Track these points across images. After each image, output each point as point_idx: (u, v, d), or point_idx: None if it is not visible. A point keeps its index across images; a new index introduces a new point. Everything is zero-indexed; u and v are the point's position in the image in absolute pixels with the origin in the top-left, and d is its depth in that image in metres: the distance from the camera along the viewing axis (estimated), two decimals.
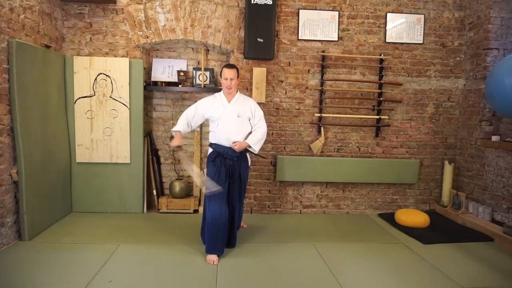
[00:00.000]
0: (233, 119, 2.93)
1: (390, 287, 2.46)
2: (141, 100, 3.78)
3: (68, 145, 3.71)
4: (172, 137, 3.18)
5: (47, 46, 3.43)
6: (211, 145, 3.00)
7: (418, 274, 2.65)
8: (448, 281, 2.56)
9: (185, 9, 3.82)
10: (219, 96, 3.02)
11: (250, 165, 4.05)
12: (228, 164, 2.89)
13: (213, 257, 2.75)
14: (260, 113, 3.05)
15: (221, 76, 2.96)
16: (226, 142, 2.90)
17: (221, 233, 2.78)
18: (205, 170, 3.03)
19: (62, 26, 3.79)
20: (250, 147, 2.93)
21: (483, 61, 3.83)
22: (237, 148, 2.85)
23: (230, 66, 2.96)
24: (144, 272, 2.55)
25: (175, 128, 2.95)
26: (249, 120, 3.00)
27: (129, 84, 3.73)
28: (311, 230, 3.55)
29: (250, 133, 3.00)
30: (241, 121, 2.96)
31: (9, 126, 2.91)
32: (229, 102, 2.97)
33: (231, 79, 2.90)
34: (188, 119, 2.99)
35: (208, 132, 3.11)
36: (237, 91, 3.04)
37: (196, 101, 3.10)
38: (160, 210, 3.95)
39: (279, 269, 2.66)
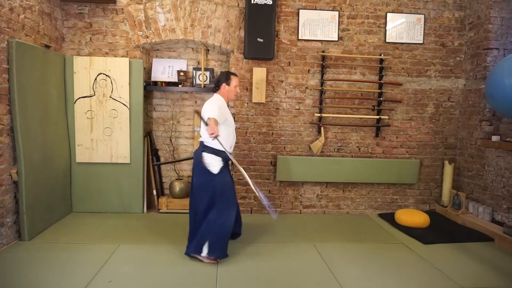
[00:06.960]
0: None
1: (390, 287, 2.46)
2: (141, 100, 3.78)
3: (68, 145, 3.71)
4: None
5: (47, 46, 3.43)
6: (219, 152, 2.71)
7: (418, 274, 2.65)
8: (448, 281, 2.56)
9: (185, 9, 3.82)
10: (224, 101, 2.91)
11: (250, 165, 4.07)
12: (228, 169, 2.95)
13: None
14: None
15: (228, 84, 2.87)
16: (231, 149, 2.87)
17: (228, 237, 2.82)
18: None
19: (62, 26, 3.78)
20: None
21: (483, 61, 3.83)
22: None
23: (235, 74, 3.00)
24: (144, 272, 2.55)
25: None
26: None
27: (129, 84, 3.73)
28: (311, 230, 3.55)
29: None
30: None
31: (9, 126, 2.91)
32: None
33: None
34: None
35: None
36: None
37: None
38: (160, 210, 3.95)
39: (279, 269, 2.67)
